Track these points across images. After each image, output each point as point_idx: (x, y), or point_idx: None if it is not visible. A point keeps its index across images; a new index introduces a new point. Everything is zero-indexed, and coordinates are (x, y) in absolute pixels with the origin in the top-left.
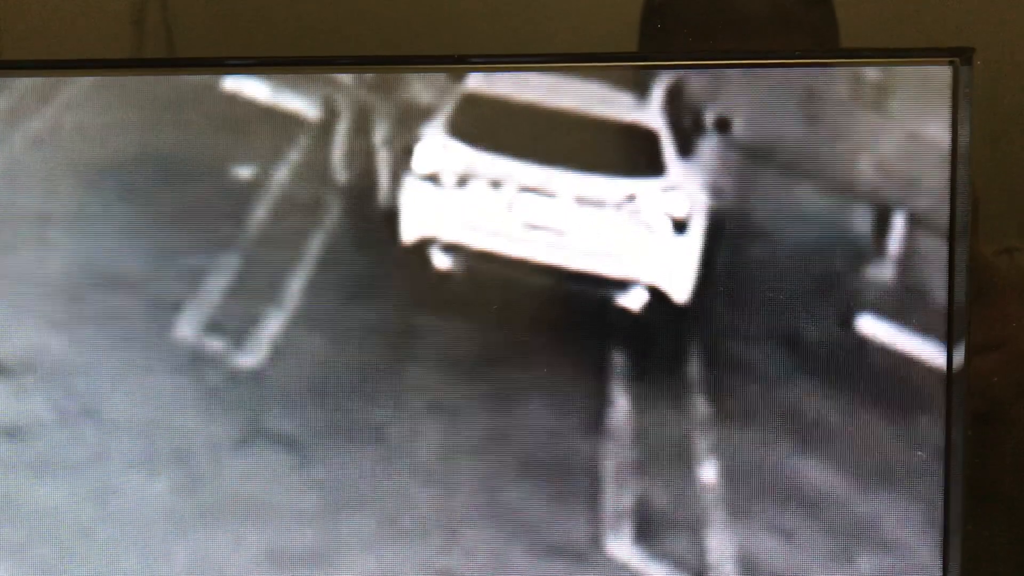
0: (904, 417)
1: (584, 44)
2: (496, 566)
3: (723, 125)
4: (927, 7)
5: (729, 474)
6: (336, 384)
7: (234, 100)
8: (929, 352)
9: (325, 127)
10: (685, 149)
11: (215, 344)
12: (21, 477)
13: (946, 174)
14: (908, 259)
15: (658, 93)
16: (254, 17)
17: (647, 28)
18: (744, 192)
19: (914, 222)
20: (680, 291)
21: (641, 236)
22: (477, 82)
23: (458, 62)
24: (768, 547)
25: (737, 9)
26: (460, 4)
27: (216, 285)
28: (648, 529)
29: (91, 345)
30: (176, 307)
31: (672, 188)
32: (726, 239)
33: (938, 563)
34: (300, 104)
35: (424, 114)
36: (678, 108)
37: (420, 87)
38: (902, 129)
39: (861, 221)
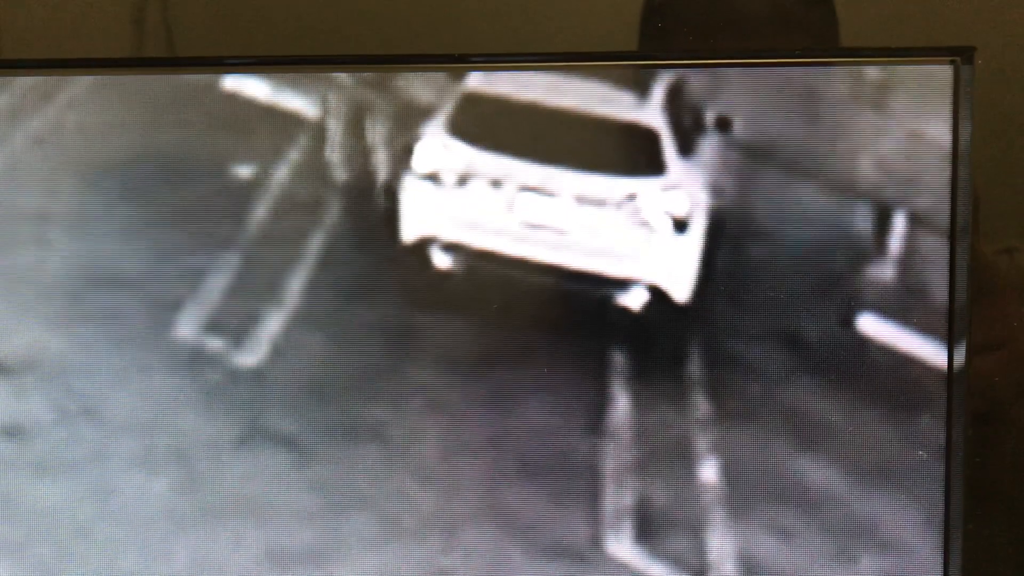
0: (905, 417)
1: (584, 44)
2: (496, 566)
3: (723, 124)
4: (928, 6)
5: (729, 474)
6: (336, 384)
7: (234, 99)
8: (930, 352)
9: (325, 126)
10: (685, 148)
11: (215, 344)
12: (21, 477)
13: (947, 173)
14: (909, 258)
15: (658, 92)
16: (254, 17)
17: (647, 27)
18: (745, 191)
19: (915, 221)
20: (680, 290)
21: (641, 235)
22: (477, 81)
23: (458, 61)
24: (768, 547)
25: (737, 8)
26: (460, 4)
27: (216, 284)
28: (648, 529)
29: (91, 345)
30: (176, 307)
31: (672, 187)
32: (726, 238)
33: (938, 563)
34: (300, 103)
35: (424, 113)
36: (678, 107)
37: (420, 86)
38: (903, 128)
39: (862, 220)
